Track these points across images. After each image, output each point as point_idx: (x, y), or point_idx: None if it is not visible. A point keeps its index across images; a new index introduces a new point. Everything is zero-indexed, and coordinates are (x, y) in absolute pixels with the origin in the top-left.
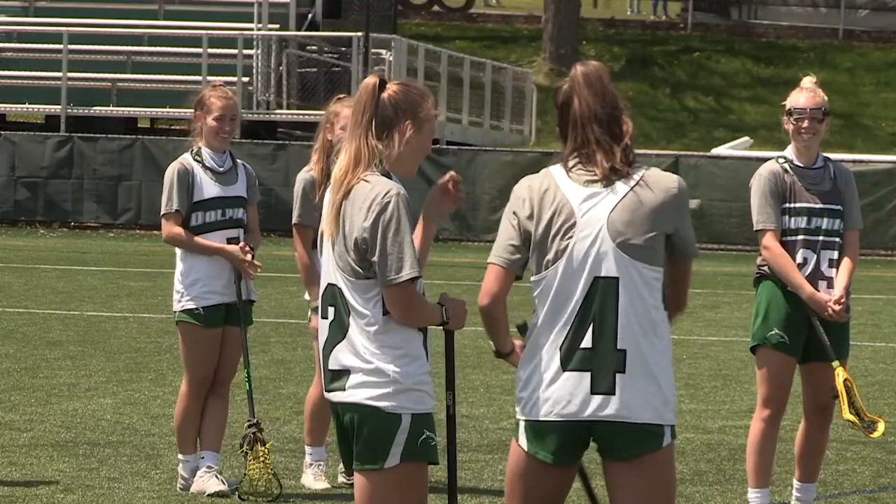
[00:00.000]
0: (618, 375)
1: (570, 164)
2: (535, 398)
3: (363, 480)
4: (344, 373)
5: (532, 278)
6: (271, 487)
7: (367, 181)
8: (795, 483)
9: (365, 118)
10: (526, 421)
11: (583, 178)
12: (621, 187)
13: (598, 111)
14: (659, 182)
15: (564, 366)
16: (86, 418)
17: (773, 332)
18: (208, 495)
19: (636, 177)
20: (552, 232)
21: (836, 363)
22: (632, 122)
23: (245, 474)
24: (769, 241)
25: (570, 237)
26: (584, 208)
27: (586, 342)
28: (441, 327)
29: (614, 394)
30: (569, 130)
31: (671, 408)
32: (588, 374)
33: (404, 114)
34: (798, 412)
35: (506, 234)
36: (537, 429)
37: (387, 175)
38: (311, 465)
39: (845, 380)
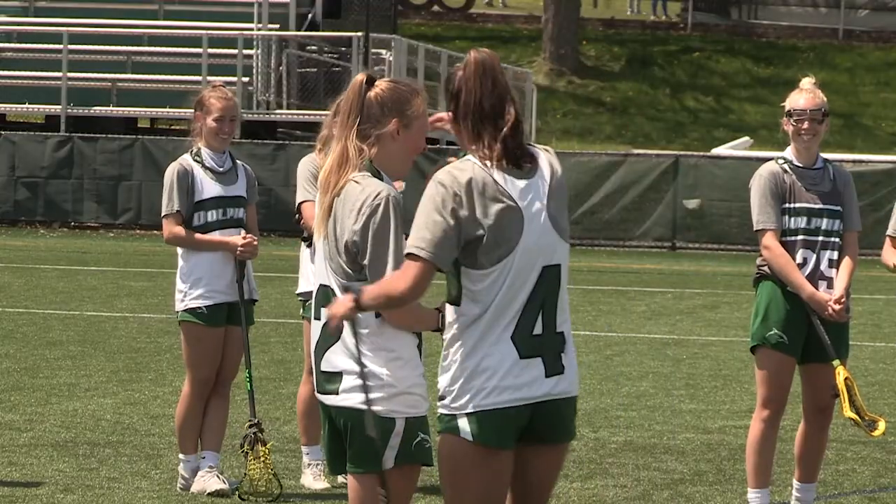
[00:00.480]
0: (562, 355)
1: (486, 156)
2: (489, 388)
3: (357, 482)
4: (337, 375)
5: (477, 272)
6: (271, 487)
7: (357, 182)
8: (795, 483)
9: (351, 118)
10: (473, 413)
11: (507, 167)
12: (545, 175)
13: (485, 103)
14: (555, 159)
15: (521, 354)
16: (86, 418)
17: (772, 332)
18: (208, 494)
19: (546, 162)
20: (502, 228)
21: (836, 362)
22: (516, 111)
23: (245, 474)
24: (769, 240)
25: (521, 232)
26: (524, 201)
27: (537, 329)
28: (439, 333)
29: (563, 373)
30: (459, 120)
31: None
32: (540, 360)
33: (390, 111)
34: (798, 412)
35: (440, 230)
36: (485, 416)
37: (377, 175)
38: (309, 465)
39: (846, 378)
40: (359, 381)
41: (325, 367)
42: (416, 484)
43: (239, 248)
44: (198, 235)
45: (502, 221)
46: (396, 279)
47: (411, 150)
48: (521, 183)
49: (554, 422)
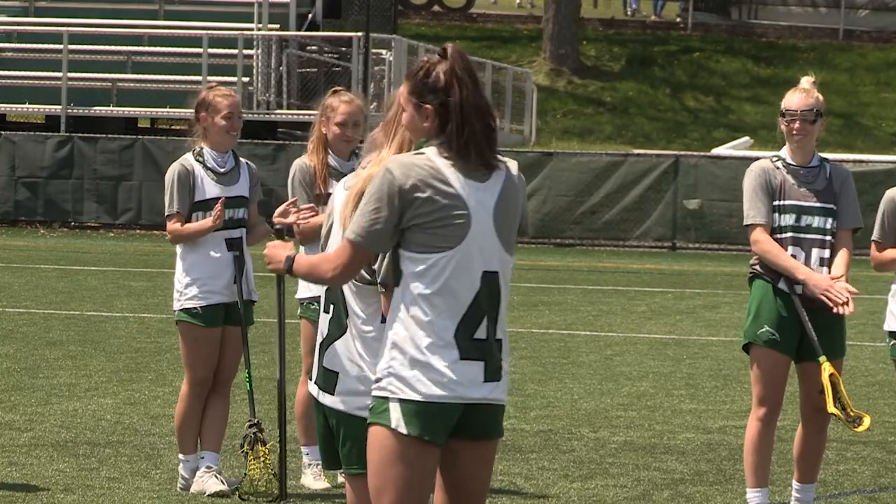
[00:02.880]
0: (501, 363)
1: (447, 153)
2: (427, 379)
3: (350, 483)
4: (334, 374)
5: (413, 254)
6: (272, 487)
7: None
8: (795, 484)
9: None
10: (406, 401)
11: (464, 168)
12: (497, 180)
13: (479, 102)
14: (516, 172)
15: (462, 355)
16: (86, 418)
17: (763, 330)
18: (208, 495)
19: (503, 169)
20: (442, 219)
21: (822, 358)
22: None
23: (245, 474)
24: (758, 235)
25: (466, 230)
26: (472, 201)
27: (480, 333)
28: None
29: (500, 380)
30: (450, 117)
31: None
32: (482, 364)
33: None
34: (798, 412)
35: (379, 219)
36: (418, 407)
37: None
38: (309, 465)
39: (831, 374)
40: (354, 386)
41: (325, 363)
42: None
43: (210, 223)
44: (186, 225)
45: (447, 218)
46: (329, 260)
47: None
48: (473, 185)
49: (482, 422)
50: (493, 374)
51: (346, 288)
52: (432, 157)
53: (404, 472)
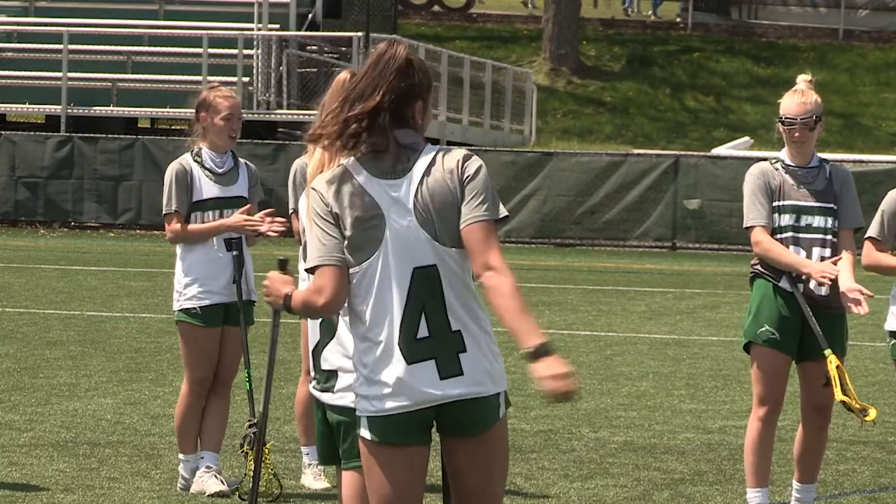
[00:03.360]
0: (461, 355)
1: (360, 153)
2: (381, 394)
3: (350, 477)
4: (333, 374)
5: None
6: (271, 487)
7: None
8: (795, 484)
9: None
10: (371, 417)
11: (371, 167)
12: (415, 176)
13: (367, 92)
14: (447, 161)
15: (409, 359)
16: (86, 418)
17: (763, 329)
18: (208, 495)
19: (425, 163)
20: (361, 226)
21: (828, 351)
22: (383, 99)
23: (245, 474)
24: (758, 235)
25: (382, 230)
26: (384, 201)
27: (422, 332)
28: None
29: (462, 374)
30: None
31: (504, 377)
32: (433, 362)
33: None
34: (798, 412)
35: (329, 234)
36: (382, 420)
37: None
38: (309, 465)
39: (837, 366)
40: (353, 381)
41: (324, 365)
42: None
43: (243, 223)
44: (193, 226)
45: (363, 224)
46: (315, 292)
47: None
48: (384, 183)
49: (461, 418)
50: (448, 369)
51: None
52: (347, 165)
53: (383, 476)
